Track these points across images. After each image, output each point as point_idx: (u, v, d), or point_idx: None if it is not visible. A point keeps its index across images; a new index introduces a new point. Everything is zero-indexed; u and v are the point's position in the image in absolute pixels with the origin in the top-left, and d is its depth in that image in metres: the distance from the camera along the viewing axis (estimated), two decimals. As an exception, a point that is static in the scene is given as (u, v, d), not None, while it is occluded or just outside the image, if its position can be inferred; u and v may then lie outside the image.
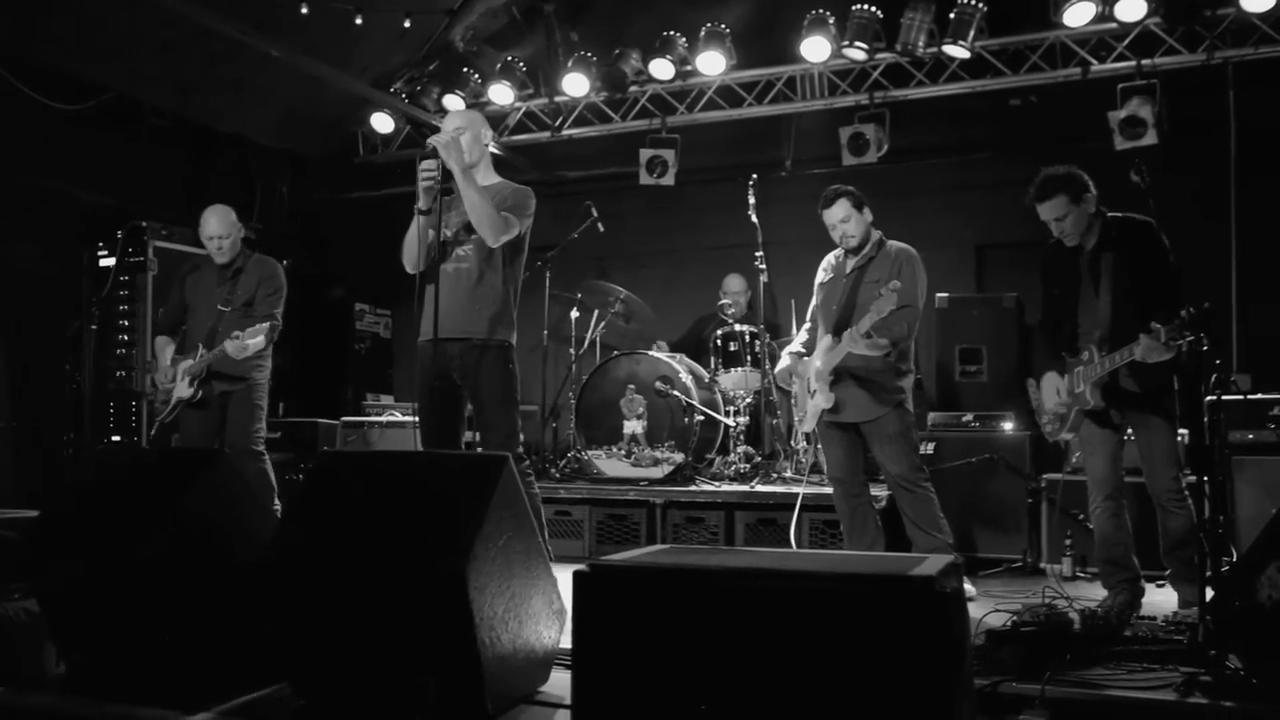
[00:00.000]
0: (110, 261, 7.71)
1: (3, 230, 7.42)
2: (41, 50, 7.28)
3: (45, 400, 7.64)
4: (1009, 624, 3.77)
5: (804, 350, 5.66)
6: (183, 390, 5.93)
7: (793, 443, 7.07)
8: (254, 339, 5.60)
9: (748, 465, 7.06)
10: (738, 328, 7.48)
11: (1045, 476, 6.31)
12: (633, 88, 8.51)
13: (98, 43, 7.38)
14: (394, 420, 7.73)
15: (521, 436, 4.71)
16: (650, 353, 7.29)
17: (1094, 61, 7.51)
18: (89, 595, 3.35)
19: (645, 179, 8.50)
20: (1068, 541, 6.02)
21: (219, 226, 6.02)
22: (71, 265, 7.82)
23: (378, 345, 9.67)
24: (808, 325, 5.75)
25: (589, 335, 7.94)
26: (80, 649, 3.48)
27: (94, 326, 7.49)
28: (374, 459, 3.67)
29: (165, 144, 8.60)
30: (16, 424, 7.40)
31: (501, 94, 8.73)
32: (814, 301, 5.69)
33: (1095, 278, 4.74)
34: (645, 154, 8.51)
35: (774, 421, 7.39)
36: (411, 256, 4.49)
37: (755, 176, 7.04)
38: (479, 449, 4.58)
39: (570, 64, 8.45)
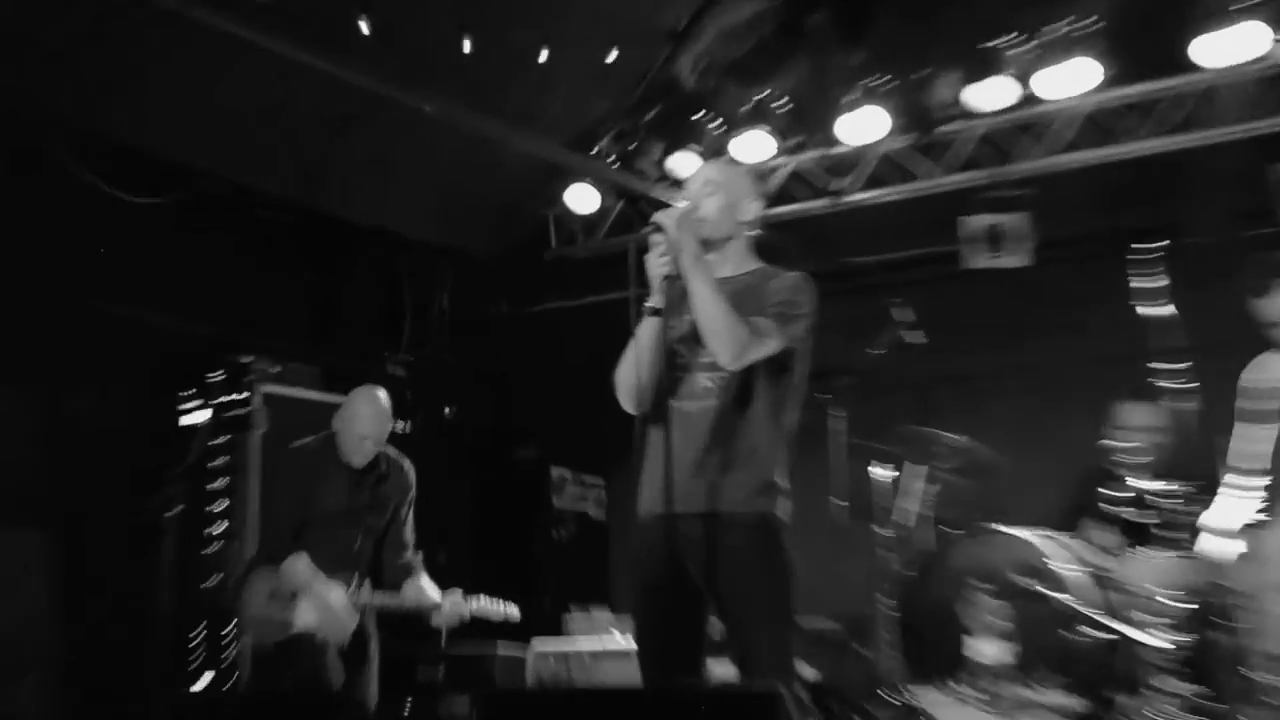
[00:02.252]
0: (200, 417, 7.42)
1: (52, 374, 7.13)
2: (110, 124, 7.05)
3: (106, 621, 7.16)
4: None
5: (1260, 513, 5.37)
6: (342, 624, 5.89)
7: (1278, 673, 5.92)
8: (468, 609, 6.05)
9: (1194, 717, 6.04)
10: (1146, 484, 6.57)
11: None
12: (949, 126, 7.88)
13: (184, 113, 7.18)
14: (615, 649, 7.45)
15: (799, 667, 4.64)
16: (1007, 530, 6.63)
17: None
18: None
19: (977, 260, 7.93)
20: None
21: (372, 423, 6.00)
22: (144, 422, 7.52)
23: (586, 531, 9.36)
24: (1260, 480, 5.40)
25: (910, 506, 7.31)
26: None
27: (176, 509, 7.05)
28: (572, 700, 3.94)
29: (278, 247, 8.41)
30: (67, 657, 6.94)
31: (754, 146, 8.11)
32: (1263, 437, 5.36)
33: None
34: (974, 223, 7.95)
35: (1232, 639, 6.06)
36: (632, 383, 4.29)
37: (1150, 247, 6.30)
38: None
39: (853, 97, 7.85)
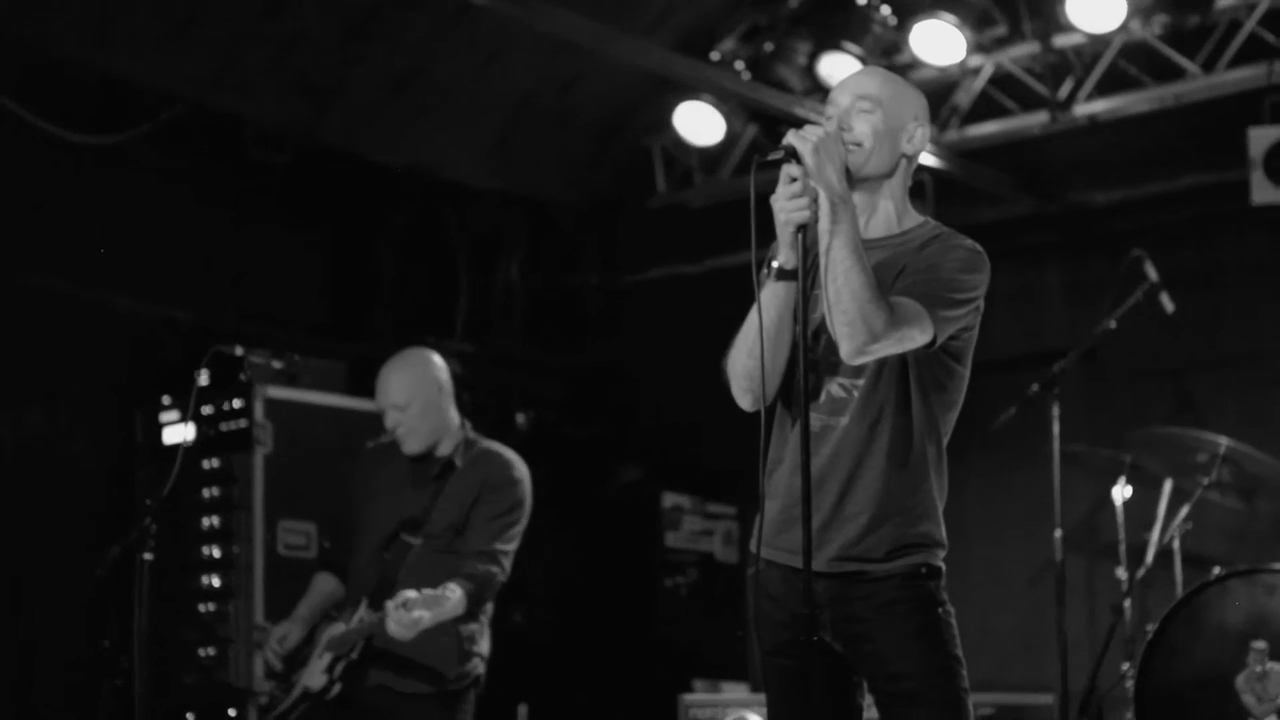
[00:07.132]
0: (181, 433, 7.30)
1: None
2: (42, 34, 7.09)
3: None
4: None
5: None
6: (312, 677, 5.92)
7: None
8: (432, 608, 5.68)
9: None
10: None
11: None
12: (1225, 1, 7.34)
13: (146, 15, 7.26)
14: (751, 735, 7.05)
15: None
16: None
17: None
18: None
19: (1264, 193, 7.55)
20: None
21: (399, 390, 6.10)
22: (108, 441, 7.64)
23: (710, 578, 9.15)
24: None
25: (1155, 536, 7.43)
26: None
27: (148, 556, 6.49)
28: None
29: (280, 199, 8.30)
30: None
31: (942, 43, 7.66)
32: None
33: None
34: (1261, 137, 7.57)
35: None
36: (747, 373, 4.22)
37: None
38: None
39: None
